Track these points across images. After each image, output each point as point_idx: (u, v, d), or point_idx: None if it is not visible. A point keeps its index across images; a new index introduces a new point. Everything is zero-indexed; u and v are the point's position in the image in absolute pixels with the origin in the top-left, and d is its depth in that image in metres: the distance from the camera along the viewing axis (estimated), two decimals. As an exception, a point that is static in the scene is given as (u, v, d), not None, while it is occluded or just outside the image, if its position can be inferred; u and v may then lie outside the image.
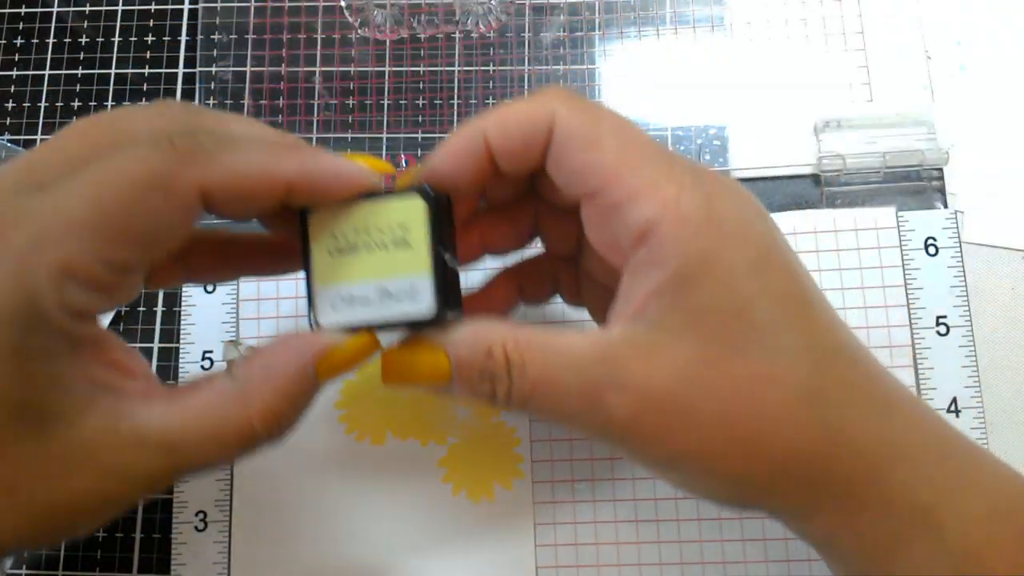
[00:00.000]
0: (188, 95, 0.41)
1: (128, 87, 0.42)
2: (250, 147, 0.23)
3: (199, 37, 0.41)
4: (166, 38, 0.42)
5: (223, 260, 0.29)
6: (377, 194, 0.25)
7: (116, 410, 0.22)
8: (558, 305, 0.34)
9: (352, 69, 0.41)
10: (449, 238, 0.26)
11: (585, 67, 0.41)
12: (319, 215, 0.25)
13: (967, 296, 0.36)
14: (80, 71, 0.42)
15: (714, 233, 0.23)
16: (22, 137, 0.41)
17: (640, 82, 0.40)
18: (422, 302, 0.24)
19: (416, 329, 0.25)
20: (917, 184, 0.38)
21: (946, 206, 0.37)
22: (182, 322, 0.38)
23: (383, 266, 0.25)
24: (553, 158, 0.25)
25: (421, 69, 0.41)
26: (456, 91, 0.40)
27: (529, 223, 0.30)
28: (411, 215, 0.25)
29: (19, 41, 0.42)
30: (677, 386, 0.23)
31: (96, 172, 0.21)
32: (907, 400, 0.25)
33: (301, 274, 0.26)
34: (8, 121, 0.42)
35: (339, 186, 0.24)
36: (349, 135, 0.40)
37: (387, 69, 0.41)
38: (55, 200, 0.21)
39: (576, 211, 0.27)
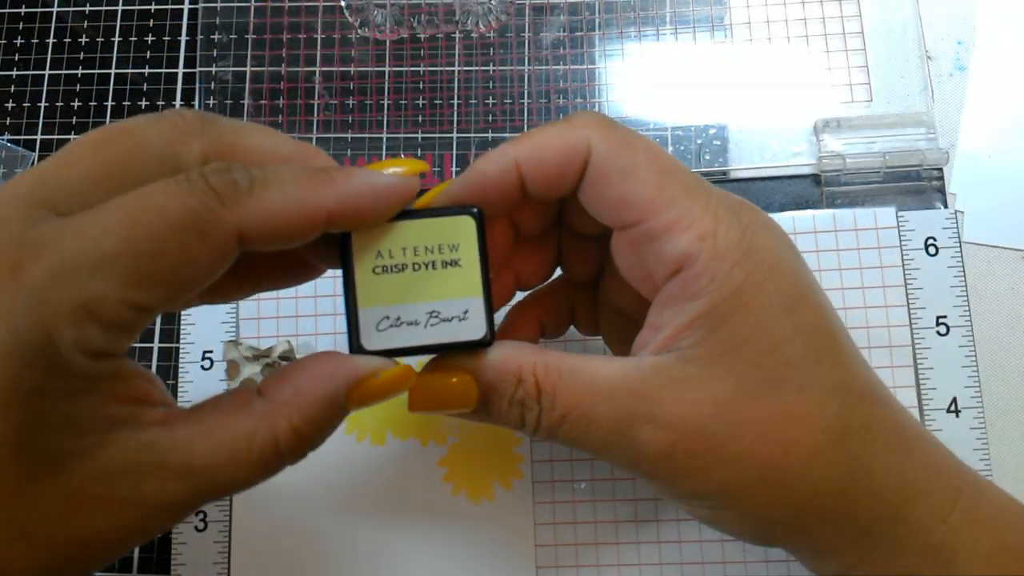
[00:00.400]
0: (188, 95, 0.41)
1: (128, 87, 0.42)
2: (284, 181, 0.21)
3: (199, 37, 0.41)
4: (166, 38, 0.42)
5: (239, 278, 0.27)
6: (423, 212, 0.24)
7: (135, 441, 0.21)
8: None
9: (352, 69, 0.41)
10: (487, 258, 0.25)
11: (585, 67, 0.40)
12: (362, 232, 0.24)
13: (967, 296, 0.36)
14: (80, 71, 0.42)
15: (750, 268, 0.23)
16: (22, 137, 0.41)
17: (640, 82, 0.40)
18: (476, 325, 0.24)
19: (452, 352, 0.24)
20: (917, 184, 0.38)
21: (946, 206, 0.37)
22: (182, 322, 0.38)
23: (433, 287, 0.24)
24: (587, 188, 0.24)
25: (421, 69, 0.41)
26: (456, 91, 0.40)
27: (554, 252, 0.29)
28: (461, 234, 0.24)
29: (19, 41, 0.42)
30: (710, 422, 0.23)
31: (126, 206, 0.20)
32: (922, 436, 0.25)
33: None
34: (8, 121, 0.42)
35: (380, 206, 0.23)
36: (349, 135, 0.40)
37: (387, 69, 0.41)
38: (79, 231, 0.19)
39: (598, 237, 0.27)
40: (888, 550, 0.24)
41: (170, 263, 0.20)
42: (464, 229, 0.24)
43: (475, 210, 0.24)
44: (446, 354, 0.24)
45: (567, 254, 0.30)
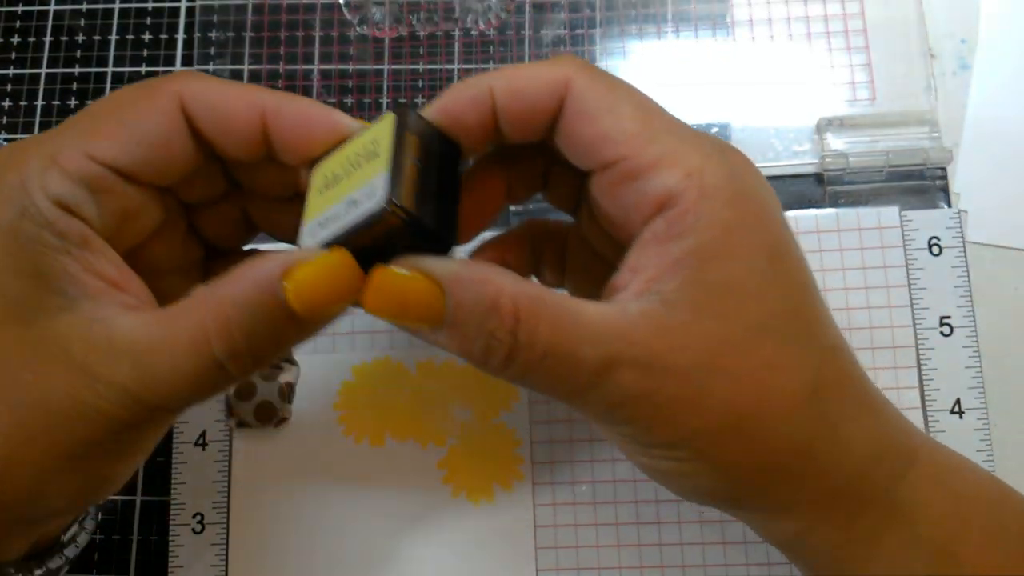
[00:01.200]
0: (185, 94, 0.41)
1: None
2: (232, 81, 0.25)
3: (196, 35, 0.41)
4: (163, 36, 0.42)
5: (286, 207, 0.28)
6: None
7: (95, 313, 0.22)
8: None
9: (351, 67, 0.41)
10: (450, 173, 0.24)
11: (586, 65, 0.40)
12: (319, 163, 0.25)
13: (971, 296, 0.36)
14: (77, 69, 0.42)
15: (738, 210, 0.22)
16: (18, 136, 0.41)
17: (641, 80, 0.40)
18: (376, 195, 0.22)
19: (390, 240, 0.23)
20: (921, 183, 0.37)
21: (950, 205, 0.37)
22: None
23: (352, 182, 0.23)
24: (565, 126, 0.23)
25: (420, 67, 0.40)
26: (456, 89, 0.40)
27: (541, 169, 0.28)
28: (383, 130, 0.23)
29: (16, 39, 0.42)
30: (694, 368, 0.22)
31: (98, 103, 0.25)
32: (883, 400, 0.25)
33: None
34: (5, 120, 0.41)
35: (315, 123, 0.24)
36: (348, 134, 0.40)
37: (386, 67, 0.41)
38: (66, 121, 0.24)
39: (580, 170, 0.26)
40: (849, 508, 0.24)
41: (118, 119, 0.24)
42: (386, 125, 0.23)
43: (399, 104, 0.24)
44: (415, 255, 0.23)
45: (552, 178, 0.28)
